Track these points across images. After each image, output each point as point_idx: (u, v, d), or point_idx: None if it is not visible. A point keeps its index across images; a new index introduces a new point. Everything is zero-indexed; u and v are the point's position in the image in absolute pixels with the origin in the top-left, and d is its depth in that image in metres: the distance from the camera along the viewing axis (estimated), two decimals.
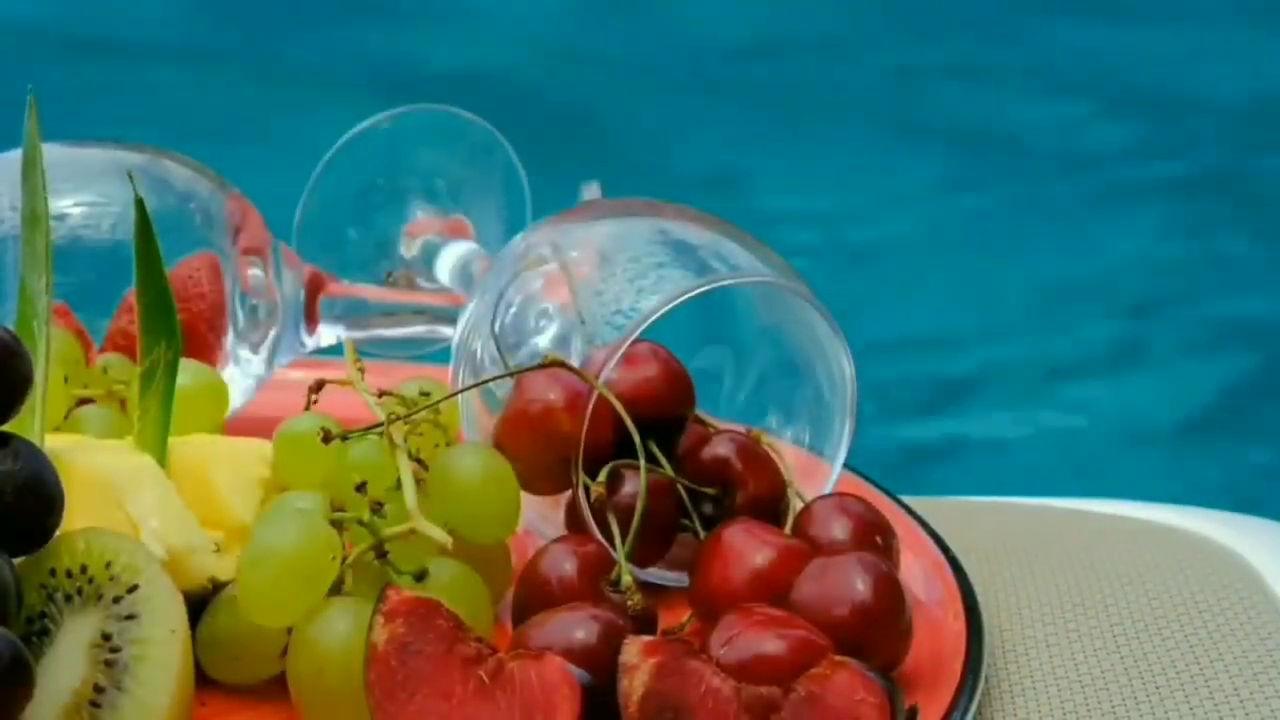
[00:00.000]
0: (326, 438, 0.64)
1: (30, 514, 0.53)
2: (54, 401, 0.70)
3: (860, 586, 0.60)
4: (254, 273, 0.78)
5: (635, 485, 0.64)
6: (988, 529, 0.76)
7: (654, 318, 0.64)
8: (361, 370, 0.67)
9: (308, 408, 0.67)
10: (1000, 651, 0.66)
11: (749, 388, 0.73)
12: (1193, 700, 0.62)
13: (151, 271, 0.64)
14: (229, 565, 0.62)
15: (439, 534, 0.60)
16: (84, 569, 0.56)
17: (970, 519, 0.77)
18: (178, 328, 0.65)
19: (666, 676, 0.55)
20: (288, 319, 0.80)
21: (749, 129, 2.61)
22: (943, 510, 0.75)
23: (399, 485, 0.62)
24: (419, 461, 0.63)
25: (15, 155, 0.70)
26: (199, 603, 0.62)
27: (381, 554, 0.60)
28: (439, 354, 0.82)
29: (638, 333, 0.64)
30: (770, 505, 0.67)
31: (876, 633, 0.59)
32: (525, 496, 0.64)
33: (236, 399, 0.77)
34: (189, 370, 0.69)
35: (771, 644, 0.57)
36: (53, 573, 0.56)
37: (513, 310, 0.69)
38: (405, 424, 0.64)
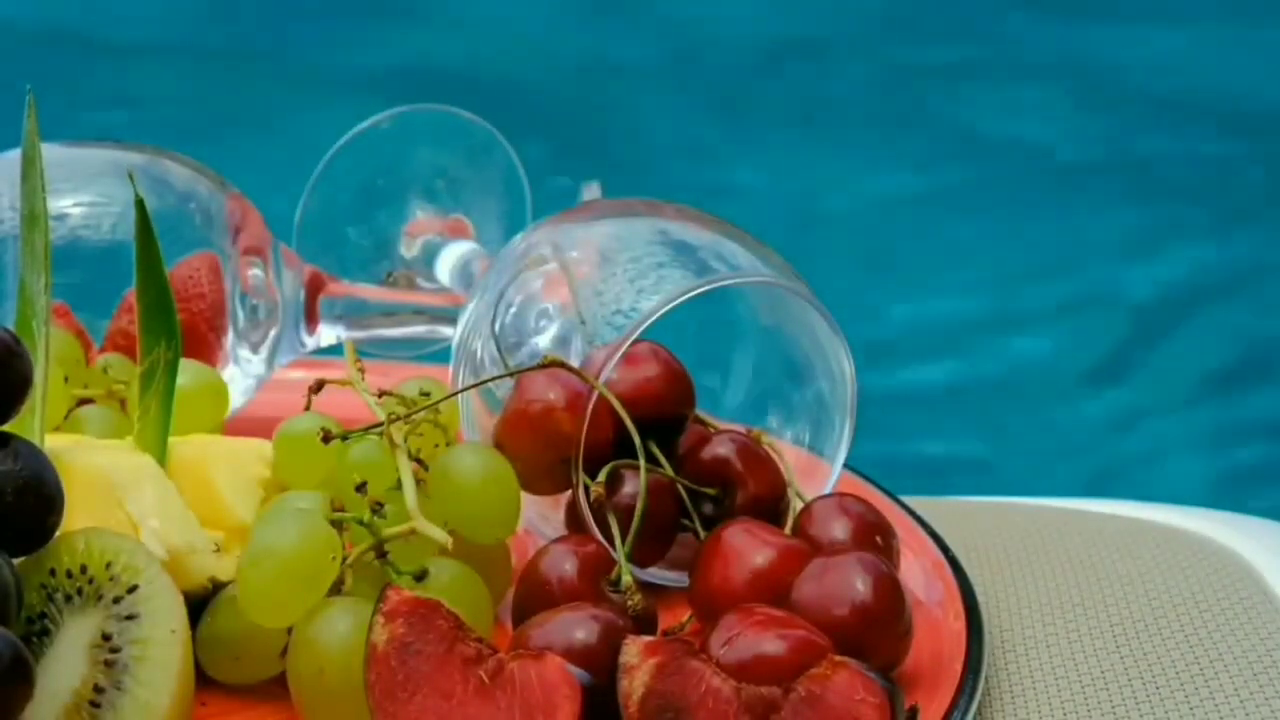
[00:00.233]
0: (326, 438, 0.64)
1: (30, 514, 0.53)
2: (54, 401, 0.70)
3: (860, 587, 0.60)
4: (254, 273, 0.78)
5: (635, 485, 0.64)
6: (988, 529, 0.76)
7: (654, 318, 0.64)
8: (361, 370, 0.67)
9: (308, 408, 0.67)
10: (1000, 651, 0.66)
11: (749, 388, 0.73)
12: (1193, 700, 0.62)
13: (151, 271, 0.64)
14: (229, 565, 0.62)
15: (439, 534, 0.60)
16: (84, 569, 0.56)
17: (970, 519, 0.77)
18: (178, 328, 0.64)
19: (667, 676, 0.55)
20: (288, 319, 0.80)
21: (750, 129, 2.61)
22: (943, 510, 0.75)
23: (399, 485, 0.62)
24: (419, 461, 0.63)
25: (15, 155, 0.70)
26: (199, 603, 0.62)
27: (381, 554, 0.60)
28: (439, 354, 0.82)
29: (638, 333, 0.64)
30: (770, 505, 0.67)
31: (876, 633, 0.59)
32: (525, 496, 0.64)
33: (236, 399, 0.77)
34: (189, 370, 0.69)
35: (771, 644, 0.57)
36: (53, 573, 0.56)
37: (513, 310, 0.69)
38: (405, 424, 0.64)
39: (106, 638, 0.55)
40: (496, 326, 0.69)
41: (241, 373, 0.78)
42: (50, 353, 0.61)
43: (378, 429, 0.64)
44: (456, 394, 0.68)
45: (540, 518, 0.69)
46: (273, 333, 0.79)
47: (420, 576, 0.60)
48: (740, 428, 0.69)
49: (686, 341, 0.69)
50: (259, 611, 0.58)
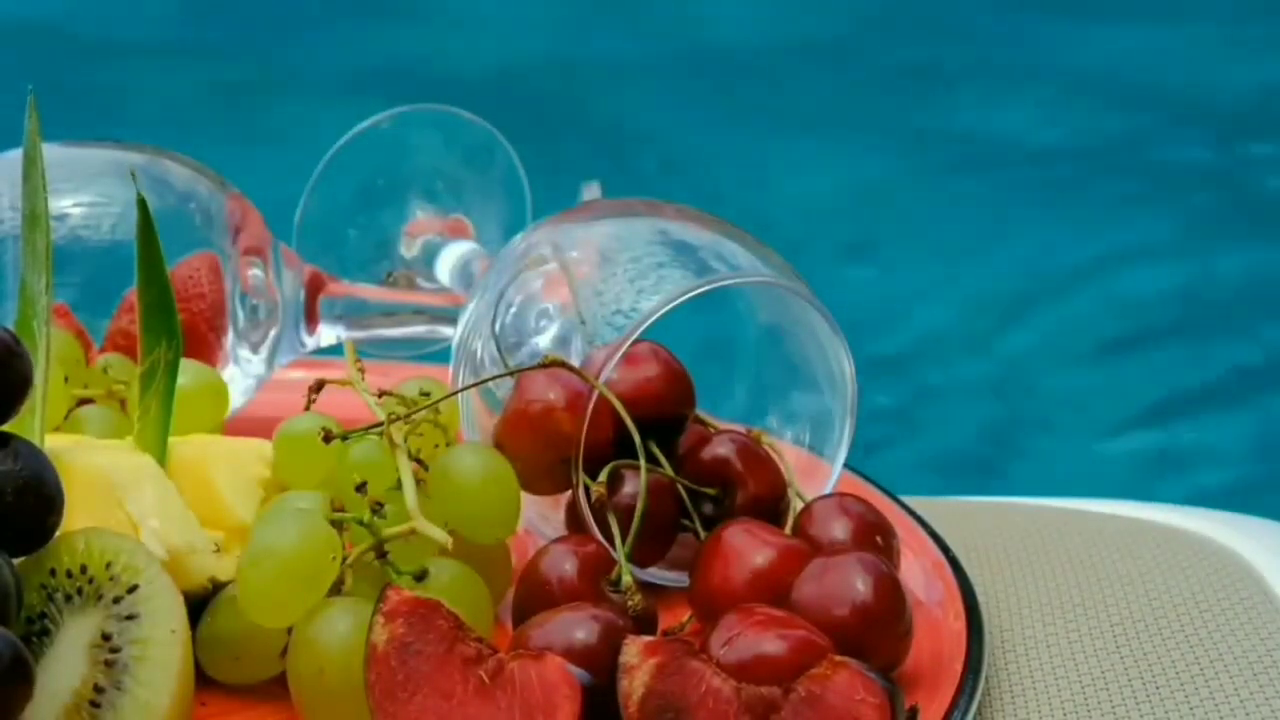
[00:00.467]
0: (326, 438, 0.64)
1: (30, 514, 0.53)
2: (54, 401, 0.70)
3: (860, 587, 0.60)
4: (254, 273, 0.78)
5: (635, 485, 0.64)
6: (988, 529, 0.76)
7: (654, 318, 0.64)
8: (361, 370, 0.67)
9: (308, 408, 0.67)
10: (1000, 651, 0.66)
11: (749, 388, 0.73)
12: (1193, 700, 0.62)
13: (152, 271, 0.64)
14: (229, 565, 0.62)
15: (439, 534, 0.60)
16: (84, 569, 0.56)
17: (970, 519, 0.77)
18: (178, 328, 0.64)
19: (667, 676, 0.55)
20: (288, 319, 0.80)
21: (750, 128, 2.61)
22: (943, 510, 0.75)
23: (399, 485, 0.62)
24: (419, 461, 0.63)
25: (15, 155, 0.70)
26: (199, 603, 0.62)
27: (381, 554, 0.60)
28: (439, 354, 0.82)
29: (638, 333, 0.64)
30: (770, 505, 0.67)
31: (877, 633, 0.59)
32: (525, 496, 0.64)
33: (236, 399, 0.77)
34: (189, 370, 0.69)
35: (772, 644, 0.57)
36: (53, 573, 0.56)
37: (513, 310, 0.69)
38: (405, 424, 0.64)
39: (106, 638, 0.55)
40: (496, 326, 0.69)
41: (241, 373, 0.78)
42: (50, 353, 0.61)
43: (378, 429, 0.64)
44: (456, 394, 0.68)
45: (540, 518, 0.69)
46: (273, 333, 0.79)
47: (420, 576, 0.60)
48: (740, 428, 0.69)
49: (686, 341, 0.69)
50: (259, 611, 0.58)
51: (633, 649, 0.56)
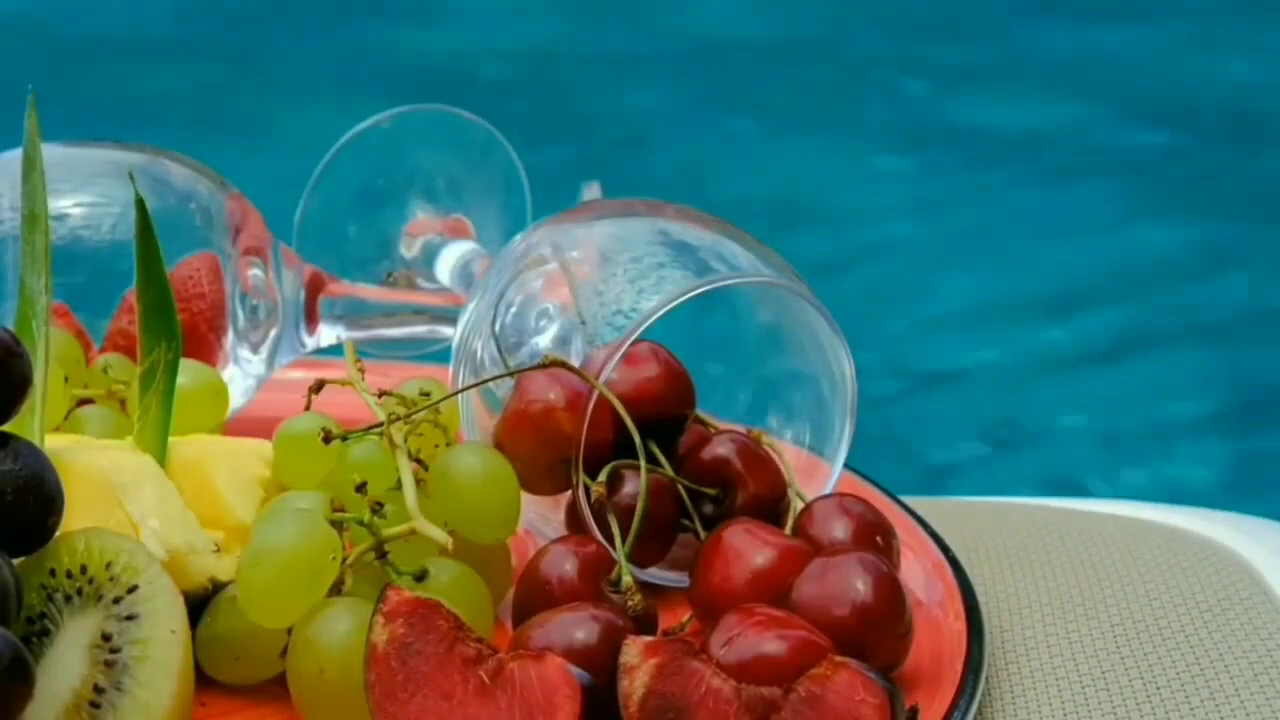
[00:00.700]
0: (326, 438, 0.64)
1: (30, 514, 0.53)
2: (54, 401, 0.70)
3: (861, 587, 0.60)
4: (254, 273, 0.78)
5: (635, 485, 0.64)
6: (988, 529, 0.76)
7: (654, 318, 0.64)
8: (361, 370, 0.67)
9: (308, 408, 0.67)
10: (1000, 651, 0.66)
11: (749, 388, 0.73)
12: (1193, 700, 0.62)
13: (152, 271, 0.64)
14: (229, 565, 0.62)
15: (439, 534, 0.60)
16: (84, 569, 0.56)
17: (970, 519, 0.77)
18: (178, 328, 0.65)
19: (667, 677, 0.55)
20: (288, 319, 0.80)
21: (749, 128, 2.61)
22: (943, 510, 0.75)
23: (399, 485, 0.62)
24: (419, 461, 0.63)
25: (15, 155, 0.70)
26: (199, 603, 0.62)
27: (381, 554, 0.60)
28: (439, 354, 0.82)
29: (638, 333, 0.64)
30: (770, 505, 0.67)
31: (877, 633, 0.59)
32: (525, 496, 0.64)
33: (236, 399, 0.77)
34: (189, 370, 0.69)
35: (772, 644, 0.57)
36: (53, 573, 0.56)
37: (513, 310, 0.69)
38: (405, 424, 0.63)
39: (106, 638, 0.55)
40: (496, 326, 0.69)
41: (241, 373, 0.78)
42: (50, 353, 0.61)
43: (378, 429, 0.64)
44: (456, 394, 0.68)
45: (540, 518, 0.69)
46: (273, 333, 0.79)
47: (420, 576, 0.60)
48: (740, 428, 0.69)
49: (686, 341, 0.69)
50: (259, 611, 0.58)
51: (633, 649, 0.56)
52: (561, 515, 0.68)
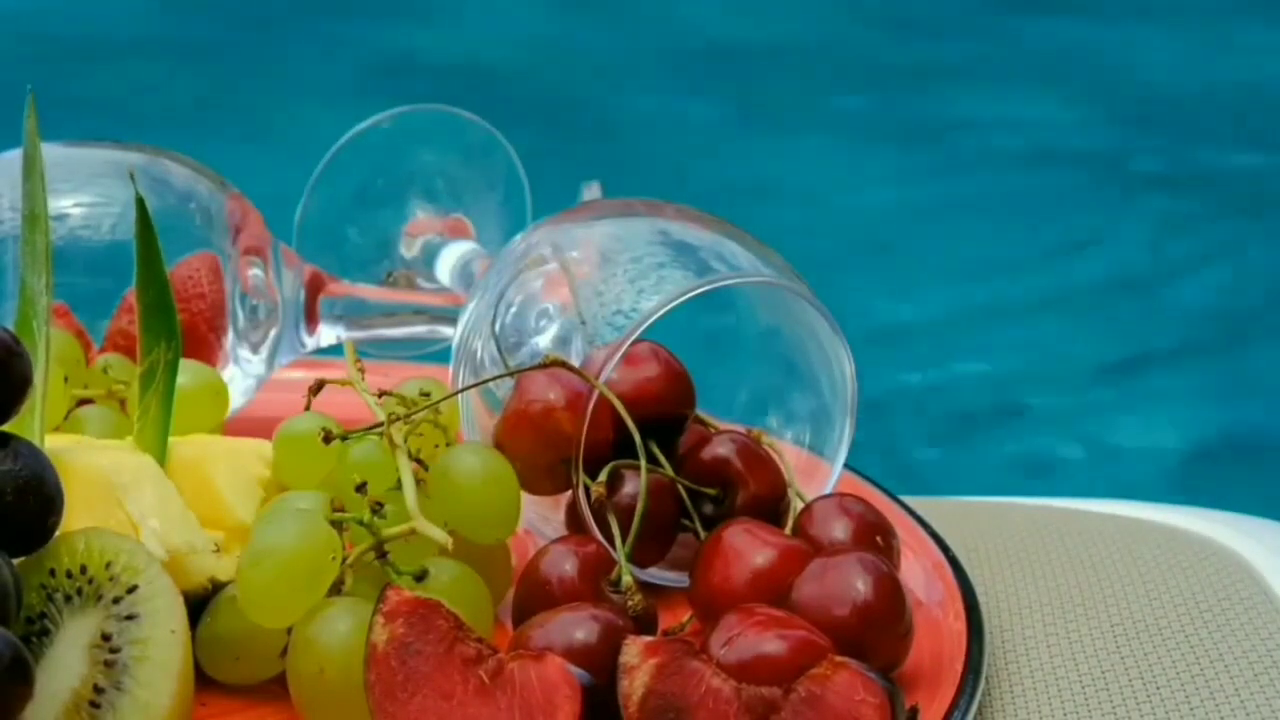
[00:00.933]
0: (326, 438, 0.64)
1: (30, 514, 0.53)
2: (54, 401, 0.70)
3: (861, 587, 0.60)
4: (254, 273, 0.78)
5: (635, 485, 0.64)
6: (988, 529, 0.76)
7: (654, 318, 0.64)
8: (361, 370, 0.67)
9: (308, 408, 0.67)
10: (1000, 651, 0.66)
11: (750, 388, 0.73)
12: (1193, 700, 0.62)
13: (152, 271, 0.64)
14: (229, 565, 0.62)
15: (439, 534, 0.60)
16: (84, 569, 0.56)
17: (970, 519, 0.77)
18: (178, 328, 0.64)
19: (667, 677, 0.55)
20: (288, 319, 0.80)
21: (749, 128, 2.61)
22: (943, 510, 0.75)
23: (399, 485, 0.62)
24: (419, 461, 0.63)
25: (15, 155, 0.70)
26: (199, 603, 0.62)
27: (381, 554, 0.60)
28: (439, 354, 0.82)
29: (638, 333, 0.64)
30: (770, 505, 0.67)
31: (877, 633, 0.59)
32: (525, 496, 0.64)
33: (236, 399, 0.77)
34: (189, 370, 0.69)
35: (772, 644, 0.57)
36: (53, 573, 0.56)
37: (513, 310, 0.69)
38: (405, 424, 0.63)
39: (106, 638, 0.55)
40: (496, 326, 0.69)
41: (241, 373, 0.78)
42: (50, 353, 0.61)
43: (378, 429, 0.63)
44: (456, 394, 0.68)
45: (540, 518, 0.69)
46: (273, 333, 0.79)
47: (420, 576, 0.60)
48: (740, 428, 0.69)
49: (687, 341, 0.69)
50: (259, 611, 0.58)
51: (633, 649, 0.56)
52: (561, 515, 0.68)
